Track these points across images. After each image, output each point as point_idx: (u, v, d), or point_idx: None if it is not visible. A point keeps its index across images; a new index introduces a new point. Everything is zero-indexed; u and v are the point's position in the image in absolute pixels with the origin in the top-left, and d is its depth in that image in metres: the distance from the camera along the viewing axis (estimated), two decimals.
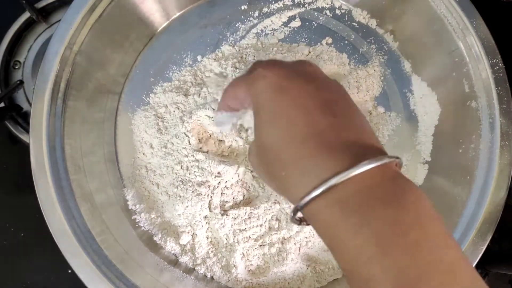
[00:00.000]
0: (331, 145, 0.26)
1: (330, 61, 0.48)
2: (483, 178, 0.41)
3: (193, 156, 0.43)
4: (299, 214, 0.28)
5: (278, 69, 0.29)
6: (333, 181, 0.24)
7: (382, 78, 0.49)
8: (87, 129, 0.44)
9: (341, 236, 0.24)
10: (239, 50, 0.48)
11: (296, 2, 0.50)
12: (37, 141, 0.39)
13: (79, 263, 0.38)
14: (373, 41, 0.50)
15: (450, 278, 0.23)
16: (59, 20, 0.48)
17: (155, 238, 0.44)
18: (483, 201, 0.40)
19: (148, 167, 0.45)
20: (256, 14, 0.49)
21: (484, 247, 0.39)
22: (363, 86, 0.47)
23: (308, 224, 0.29)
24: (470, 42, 0.44)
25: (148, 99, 0.47)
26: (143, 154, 0.45)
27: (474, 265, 0.39)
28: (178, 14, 0.49)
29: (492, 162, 0.41)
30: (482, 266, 0.47)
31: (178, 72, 0.47)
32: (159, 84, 0.47)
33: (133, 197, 0.44)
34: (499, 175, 0.41)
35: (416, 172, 0.47)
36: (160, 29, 0.49)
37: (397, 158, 0.26)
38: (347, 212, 0.24)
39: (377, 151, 0.26)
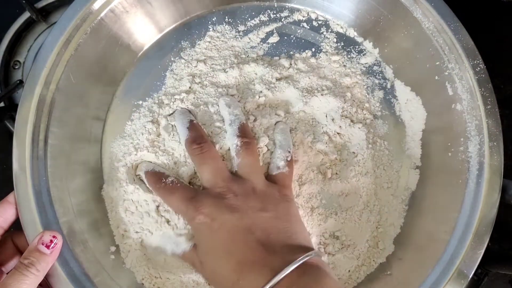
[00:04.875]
0: (255, 263, 0.34)
1: (311, 74, 0.47)
2: (475, 180, 0.41)
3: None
4: None
5: (207, 209, 0.37)
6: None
7: (365, 86, 0.49)
8: (72, 168, 0.43)
9: None
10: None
11: (272, 17, 0.50)
12: (22, 187, 0.38)
13: None
14: (352, 50, 0.50)
15: None
16: None
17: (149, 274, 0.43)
18: (477, 203, 0.40)
19: (128, 203, 0.43)
20: (233, 33, 0.49)
21: (483, 251, 0.39)
22: (348, 95, 0.47)
23: None
24: (449, 45, 0.44)
25: (125, 127, 0.46)
26: (122, 189, 0.43)
27: (474, 268, 0.39)
28: (154, 39, 0.49)
29: (483, 164, 0.41)
30: (482, 266, 0.47)
31: (151, 99, 0.46)
32: (137, 111, 0.46)
33: (119, 234, 0.43)
34: (490, 177, 0.40)
35: (408, 178, 0.46)
36: (138, 56, 0.48)
37: (313, 252, 0.34)
38: None
39: (295, 255, 0.34)
